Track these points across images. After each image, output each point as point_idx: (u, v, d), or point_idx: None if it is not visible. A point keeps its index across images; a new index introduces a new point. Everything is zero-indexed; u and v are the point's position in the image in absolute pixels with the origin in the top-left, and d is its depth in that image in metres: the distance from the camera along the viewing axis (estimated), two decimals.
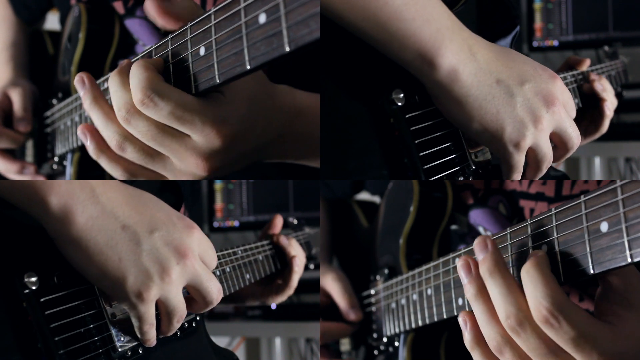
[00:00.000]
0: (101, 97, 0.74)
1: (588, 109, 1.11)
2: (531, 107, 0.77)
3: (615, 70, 1.26)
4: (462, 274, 0.69)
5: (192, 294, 0.76)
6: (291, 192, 2.09)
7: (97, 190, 0.70)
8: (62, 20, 1.16)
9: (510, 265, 0.70)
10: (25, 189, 0.68)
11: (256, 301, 1.19)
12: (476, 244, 0.68)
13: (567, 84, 1.06)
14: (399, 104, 0.78)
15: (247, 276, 1.04)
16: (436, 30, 0.73)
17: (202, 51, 0.68)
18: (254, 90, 0.73)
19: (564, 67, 1.15)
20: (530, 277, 0.63)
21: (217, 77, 0.66)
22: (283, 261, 1.18)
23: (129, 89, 0.70)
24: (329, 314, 1.13)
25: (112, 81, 0.71)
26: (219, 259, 0.94)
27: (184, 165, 0.72)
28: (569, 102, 0.82)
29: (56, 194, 0.68)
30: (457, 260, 0.71)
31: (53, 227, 0.69)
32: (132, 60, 0.73)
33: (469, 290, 0.68)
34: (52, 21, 1.38)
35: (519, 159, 0.79)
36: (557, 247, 0.64)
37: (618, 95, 1.20)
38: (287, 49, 0.60)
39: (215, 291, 0.76)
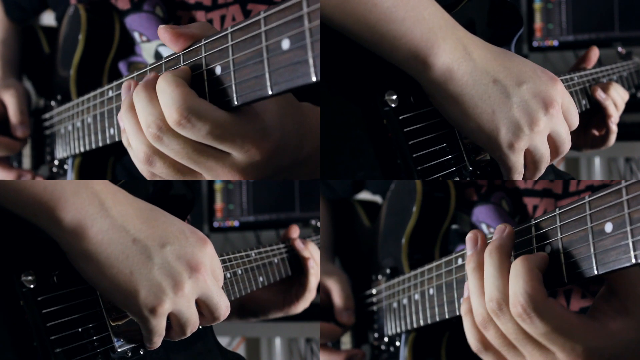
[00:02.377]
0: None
1: (595, 115, 1.09)
2: (528, 108, 0.76)
3: (628, 71, 1.23)
4: (468, 245, 0.72)
5: (201, 308, 0.75)
6: (297, 191, 2.08)
7: (106, 204, 0.69)
8: (59, 19, 1.13)
9: None
10: (34, 205, 0.67)
11: (280, 312, 1.16)
12: (498, 227, 0.70)
13: (573, 85, 1.04)
14: (392, 105, 0.77)
15: (261, 279, 1.01)
16: (428, 30, 0.73)
17: (249, 61, 0.63)
18: (282, 102, 0.72)
19: (573, 69, 1.13)
20: (516, 270, 0.65)
21: (269, 88, 0.62)
22: (300, 265, 1.15)
23: (158, 104, 0.67)
24: (324, 313, 1.13)
25: (138, 96, 0.69)
26: (231, 261, 0.94)
27: (219, 179, 0.70)
28: (570, 108, 0.80)
29: (64, 209, 0.67)
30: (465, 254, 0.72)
31: (65, 241, 0.69)
32: (156, 73, 0.69)
33: (469, 263, 0.71)
34: (47, 18, 1.36)
35: (515, 160, 0.78)
36: (561, 248, 0.65)
37: (632, 96, 1.19)
38: (314, 79, 0.58)
39: (223, 307, 0.76)
